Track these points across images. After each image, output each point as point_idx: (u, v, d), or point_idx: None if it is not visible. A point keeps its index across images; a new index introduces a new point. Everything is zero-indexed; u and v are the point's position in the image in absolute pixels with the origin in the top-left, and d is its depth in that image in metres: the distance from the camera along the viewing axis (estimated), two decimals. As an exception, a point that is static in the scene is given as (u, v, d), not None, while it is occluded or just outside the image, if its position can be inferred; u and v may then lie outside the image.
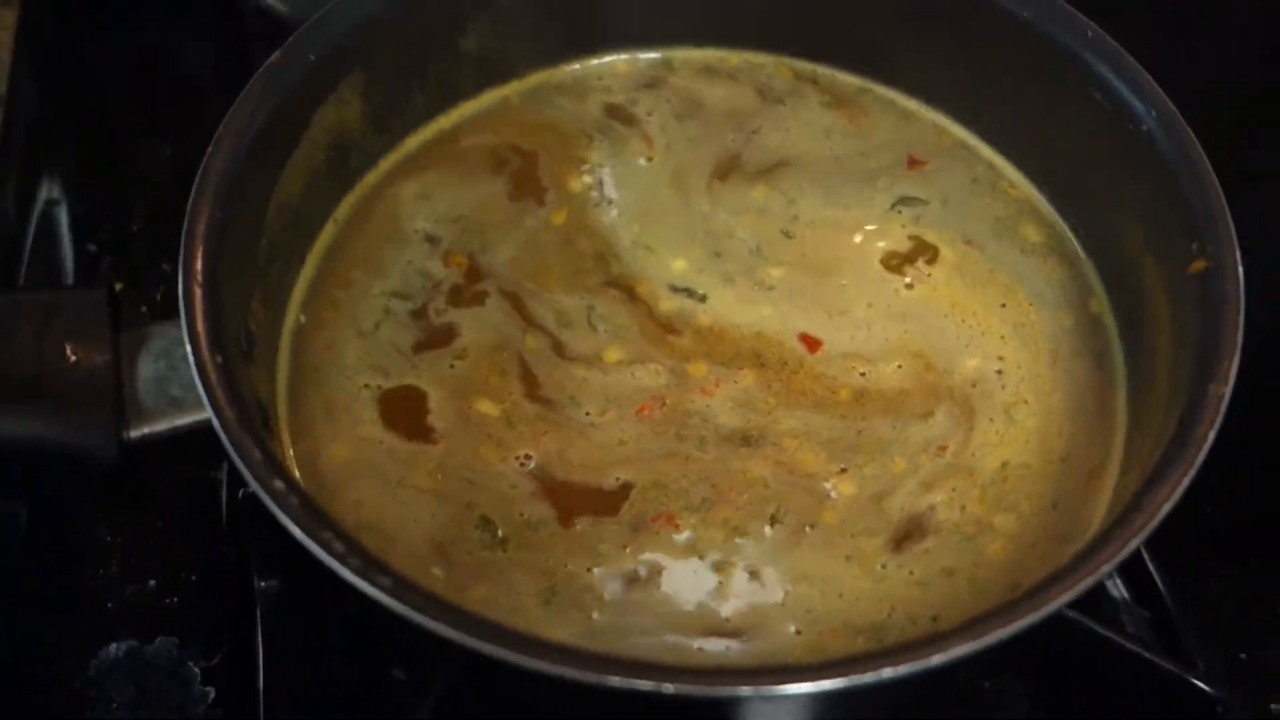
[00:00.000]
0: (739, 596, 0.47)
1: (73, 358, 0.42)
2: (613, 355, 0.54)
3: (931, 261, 0.57)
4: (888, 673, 0.37)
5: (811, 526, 0.49)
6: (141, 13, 0.75)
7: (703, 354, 0.54)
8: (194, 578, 0.56)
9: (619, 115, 0.61)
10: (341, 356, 0.52)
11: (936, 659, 0.38)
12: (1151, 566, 0.56)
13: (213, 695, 0.53)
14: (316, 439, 0.50)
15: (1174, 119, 0.50)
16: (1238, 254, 0.47)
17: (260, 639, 0.53)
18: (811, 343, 0.55)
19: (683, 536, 0.49)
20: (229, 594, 0.55)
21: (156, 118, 0.73)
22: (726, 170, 0.60)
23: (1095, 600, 0.56)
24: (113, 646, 0.54)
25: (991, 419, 0.52)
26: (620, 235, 0.57)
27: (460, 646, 0.37)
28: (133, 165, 0.71)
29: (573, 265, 0.56)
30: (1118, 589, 0.57)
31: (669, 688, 0.37)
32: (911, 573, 0.48)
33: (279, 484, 0.39)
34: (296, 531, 0.38)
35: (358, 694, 0.53)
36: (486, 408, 0.52)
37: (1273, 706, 0.53)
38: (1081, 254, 0.57)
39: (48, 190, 0.69)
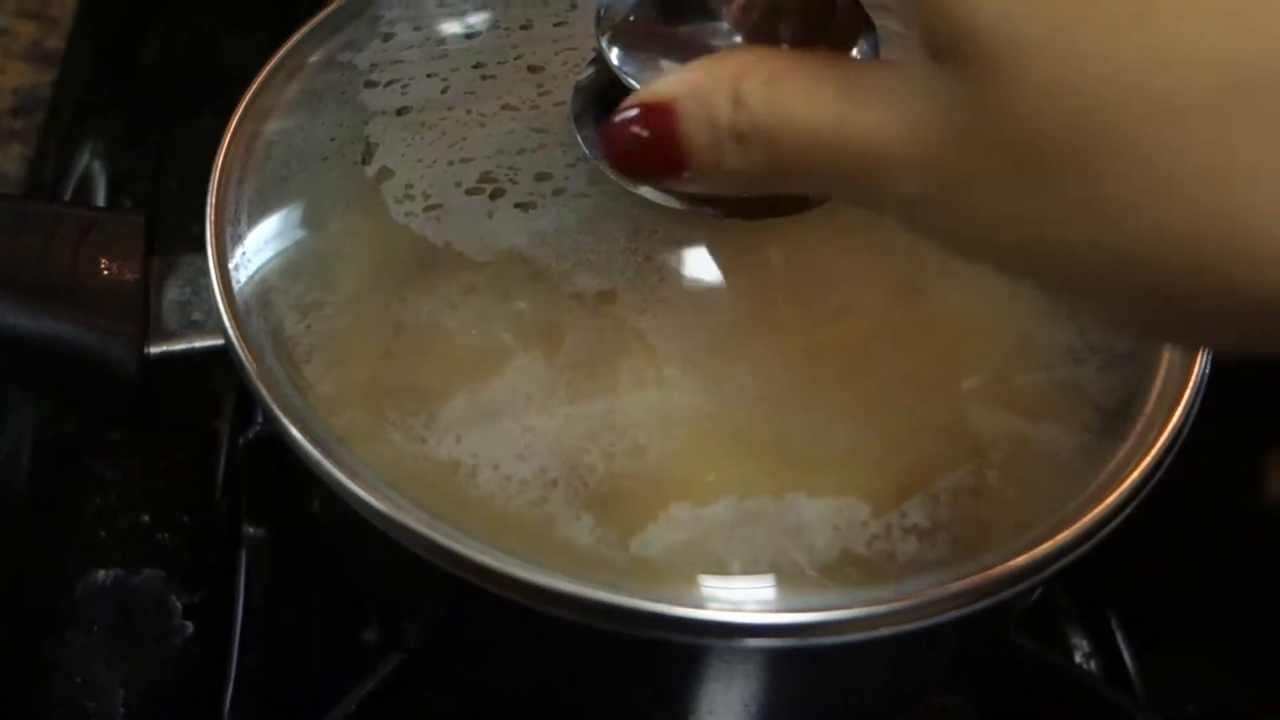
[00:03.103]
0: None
1: (105, 271, 0.44)
2: None
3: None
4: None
5: None
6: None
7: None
8: (186, 518, 0.58)
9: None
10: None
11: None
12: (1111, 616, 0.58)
13: (191, 629, 0.55)
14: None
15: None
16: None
17: (242, 582, 0.55)
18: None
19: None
20: (218, 537, 0.57)
21: (204, 92, 0.76)
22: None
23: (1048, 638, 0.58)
24: (101, 572, 0.56)
25: None
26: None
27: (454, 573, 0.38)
28: (175, 133, 0.74)
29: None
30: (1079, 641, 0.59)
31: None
32: None
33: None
34: (304, 443, 0.40)
35: (330, 643, 0.55)
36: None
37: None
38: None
39: (92, 145, 0.72)
